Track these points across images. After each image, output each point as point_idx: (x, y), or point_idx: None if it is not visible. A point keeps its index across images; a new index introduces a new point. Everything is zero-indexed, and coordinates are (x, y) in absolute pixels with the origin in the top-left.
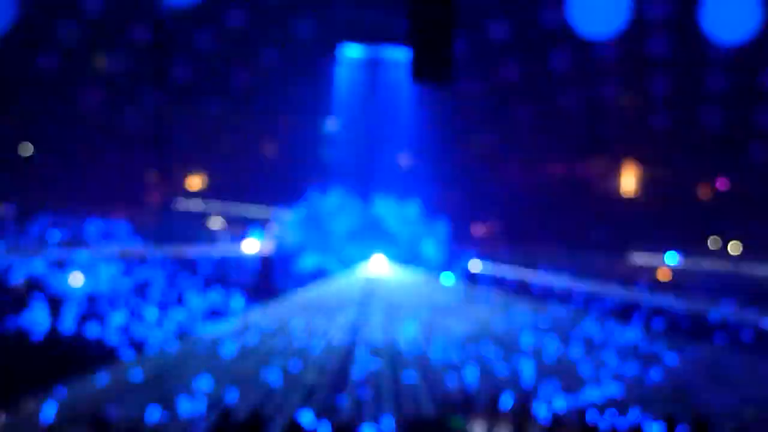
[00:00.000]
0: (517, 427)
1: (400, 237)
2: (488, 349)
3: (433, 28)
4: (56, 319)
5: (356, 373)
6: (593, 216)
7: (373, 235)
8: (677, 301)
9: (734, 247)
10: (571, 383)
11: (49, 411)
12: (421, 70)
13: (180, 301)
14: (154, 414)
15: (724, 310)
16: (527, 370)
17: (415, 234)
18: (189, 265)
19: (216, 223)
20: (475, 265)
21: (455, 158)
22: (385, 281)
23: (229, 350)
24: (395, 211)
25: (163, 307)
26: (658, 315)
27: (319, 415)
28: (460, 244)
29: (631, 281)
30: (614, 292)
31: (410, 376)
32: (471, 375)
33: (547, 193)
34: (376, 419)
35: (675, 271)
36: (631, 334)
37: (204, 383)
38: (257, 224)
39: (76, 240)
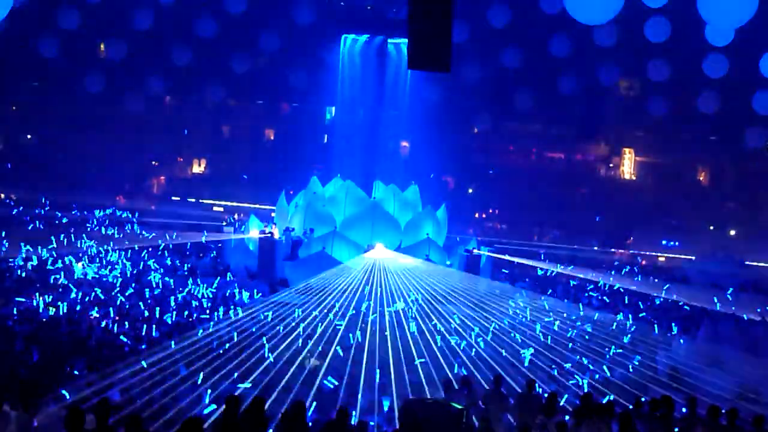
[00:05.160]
0: (520, 409)
1: (401, 223)
2: (489, 333)
3: (432, 16)
4: (61, 306)
5: (358, 357)
6: (593, 202)
7: (374, 221)
8: (673, 288)
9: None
10: (571, 366)
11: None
12: (419, 58)
13: (184, 289)
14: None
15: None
16: (528, 354)
17: (416, 220)
18: (194, 253)
19: (220, 210)
20: (476, 251)
21: (456, 144)
22: (387, 266)
23: (233, 337)
24: (396, 198)
25: (168, 295)
26: (654, 302)
27: (321, 399)
28: (460, 230)
29: (629, 268)
30: (612, 279)
31: (413, 360)
32: (473, 359)
33: (548, 180)
34: (379, 401)
35: (673, 259)
36: (628, 319)
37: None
38: (261, 211)
39: (81, 229)
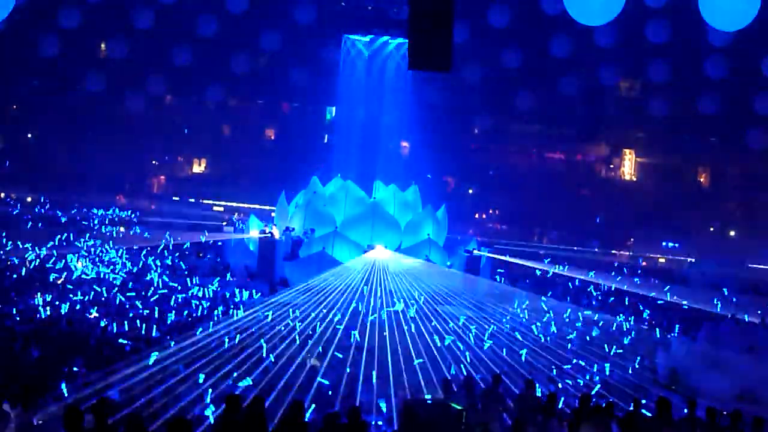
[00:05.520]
0: (519, 409)
1: (401, 223)
2: (487, 333)
3: (432, 16)
4: (59, 305)
5: (356, 356)
6: (593, 203)
7: (374, 222)
8: (673, 289)
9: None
10: (569, 367)
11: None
12: (419, 58)
13: (184, 289)
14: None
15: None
16: (527, 354)
17: (416, 220)
18: (193, 253)
19: (220, 210)
20: (476, 252)
21: (456, 144)
22: (387, 267)
23: (233, 337)
24: (396, 198)
25: (168, 295)
26: (653, 303)
27: (320, 397)
28: (460, 231)
29: (629, 269)
30: (611, 280)
31: (412, 360)
32: (473, 360)
33: (548, 181)
34: (377, 401)
35: (673, 260)
36: (627, 321)
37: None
38: (261, 211)
39: (80, 227)
